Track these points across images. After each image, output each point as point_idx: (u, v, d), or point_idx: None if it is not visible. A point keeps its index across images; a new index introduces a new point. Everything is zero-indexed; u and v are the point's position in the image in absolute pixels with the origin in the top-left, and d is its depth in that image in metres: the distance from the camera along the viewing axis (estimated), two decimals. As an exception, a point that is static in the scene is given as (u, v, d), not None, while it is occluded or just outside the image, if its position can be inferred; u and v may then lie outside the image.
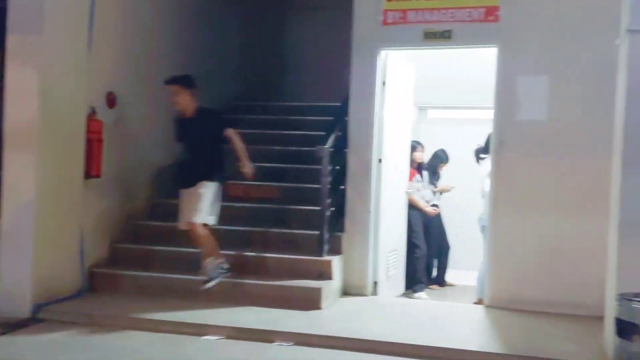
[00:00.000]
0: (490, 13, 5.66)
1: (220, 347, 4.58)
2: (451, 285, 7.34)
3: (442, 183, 7.37)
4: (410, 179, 6.86)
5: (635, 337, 3.64)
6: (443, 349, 4.49)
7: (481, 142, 6.28)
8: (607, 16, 4.96)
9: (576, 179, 5.47)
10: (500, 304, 5.62)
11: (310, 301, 5.33)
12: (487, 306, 5.70)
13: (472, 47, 6.05)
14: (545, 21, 5.56)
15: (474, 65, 7.03)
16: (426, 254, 6.95)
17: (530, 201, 5.59)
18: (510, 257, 5.64)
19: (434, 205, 7.13)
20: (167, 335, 4.78)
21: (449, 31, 5.78)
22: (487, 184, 5.85)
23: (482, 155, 6.24)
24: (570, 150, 5.49)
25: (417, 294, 6.62)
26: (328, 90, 7.25)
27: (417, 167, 7.07)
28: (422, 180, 7.09)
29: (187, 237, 5.43)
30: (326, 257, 5.69)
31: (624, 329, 3.69)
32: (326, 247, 5.73)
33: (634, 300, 3.68)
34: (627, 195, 4.26)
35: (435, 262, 7.37)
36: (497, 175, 5.70)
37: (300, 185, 6.56)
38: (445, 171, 7.44)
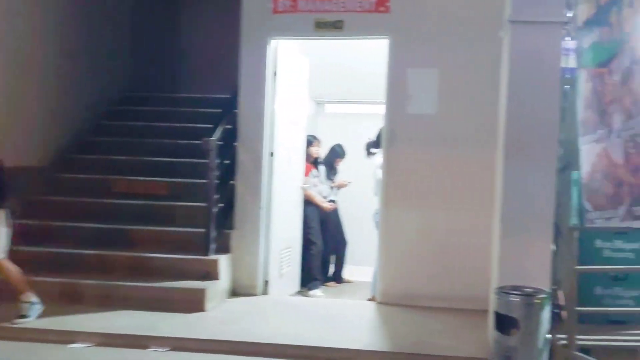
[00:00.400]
0: (381, 4, 5.55)
1: (87, 356, 4.22)
2: (348, 281, 7.21)
3: (339, 178, 7.23)
4: (307, 173, 6.67)
5: (513, 331, 3.59)
6: (328, 349, 4.34)
7: (373, 136, 6.17)
8: (496, 9, 4.93)
9: (465, 173, 5.44)
10: (392, 300, 5.54)
11: (193, 303, 5.03)
12: (379, 302, 5.60)
13: (364, 38, 5.94)
14: (435, 13, 5.51)
15: (372, 59, 6.92)
16: (322, 250, 6.79)
17: (421, 195, 5.54)
18: (400, 252, 5.56)
19: (331, 201, 6.98)
20: (30, 344, 4.36)
21: (341, 21, 5.63)
22: (378, 179, 5.75)
23: (372, 150, 6.14)
24: (459, 143, 5.46)
25: (312, 292, 6.44)
26: (224, 82, 6.96)
27: (314, 161, 6.89)
28: (319, 175, 6.92)
29: (53, 237, 5.01)
30: (212, 256, 5.41)
31: (502, 322, 3.63)
32: (213, 246, 5.45)
33: (511, 294, 3.63)
34: (507, 188, 4.24)
35: (333, 259, 7.22)
36: (388, 169, 5.61)
37: (190, 180, 6.23)
38: (342, 166, 7.30)
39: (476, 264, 5.25)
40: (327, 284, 7.04)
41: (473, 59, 5.42)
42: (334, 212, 7.07)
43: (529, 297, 3.59)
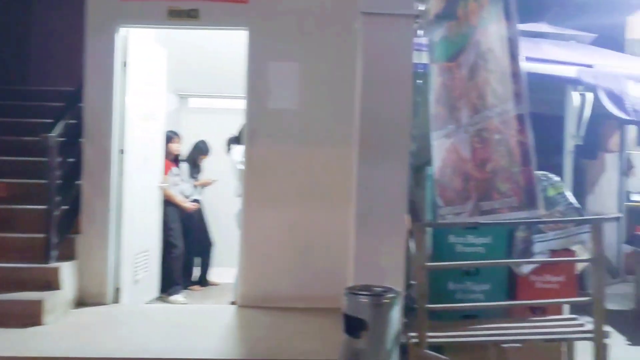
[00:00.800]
0: (239, -7, 5.29)
1: None
2: (215, 284, 6.92)
3: (204, 176, 6.90)
4: (166, 172, 6.29)
5: (363, 333, 3.46)
6: (175, 361, 4.03)
7: (235, 132, 5.92)
8: (356, 1, 4.81)
9: (327, 170, 5.32)
10: (254, 303, 5.32)
11: (29, 316, 4.54)
12: (240, 306, 5.36)
13: (222, 29, 5.69)
14: (295, 4, 5.34)
15: (239, 52, 6.66)
16: (185, 252, 6.46)
17: (282, 193, 5.36)
18: (261, 252, 5.36)
19: (195, 200, 6.65)
20: None
21: (196, 10, 5.32)
22: (237, 177, 5.51)
23: (233, 146, 5.89)
24: (320, 140, 5.34)
25: (172, 298, 6.09)
26: (75, 73, 6.41)
27: (175, 159, 6.52)
28: (181, 174, 6.56)
29: None
30: (53, 264, 4.92)
31: (351, 324, 3.49)
32: (54, 252, 4.96)
33: (360, 294, 3.50)
34: (362, 184, 4.14)
35: (198, 261, 6.89)
36: (249, 166, 5.38)
37: (33, 181, 5.64)
38: (208, 163, 6.98)
39: (338, 262, 5.13)
40: (192, 287, 6.72)
41: (334, 52, 5.30)
42: (198, 212, 6.75)
43: (377, 297, 3.47)
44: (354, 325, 3.47)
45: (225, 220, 7.05)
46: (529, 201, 3.26)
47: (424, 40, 4.53)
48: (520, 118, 3.28)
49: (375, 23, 4.11)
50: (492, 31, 3.48)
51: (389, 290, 3.56)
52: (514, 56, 3.33)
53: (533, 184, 3.25)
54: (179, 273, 6.29)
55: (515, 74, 3.31)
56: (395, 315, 3.53)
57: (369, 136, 4.12)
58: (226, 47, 6.83)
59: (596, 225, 3.80)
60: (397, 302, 3.55)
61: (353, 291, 3.53)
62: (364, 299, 3.46)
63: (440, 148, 4.19)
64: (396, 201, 4.10)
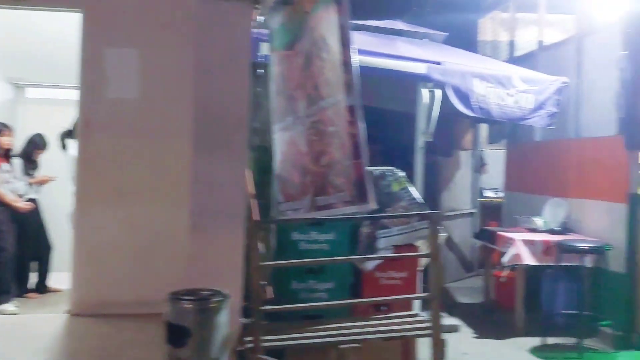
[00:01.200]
0: (70, -29, 4.82)
1: None
2: (55, 291, 6.30)
3: (41, 173, 6.29)
4: (-5, 168, 5.65)
5: (187, 342, 3.17)
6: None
7: (70, 126, 5.42)
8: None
9: (170, 165, 4.94)
10: (89, 310, 4.84)
11: None
12: (74, 314, 4.88)
13: (52, 10, 5.17)
14: (135, -14, 4.94)
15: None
16: (19, 257, 5.84)
17: (121, 191, 4.93)
18: (97, 255, 4.90)
19: (30, 200, 6.03)
20: None
21: (21, -12, 4.79)
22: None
23: (67, 141, 5.40)
24: (163, 132, 4.95)
25: (1, 307, 5.46)
26: None
27: (5, 154, 5.88)
28: (12, 170, 5.92)
29: None
30: None
31: (174, 333, 3.20)
32: None
33: (183, 299, 3.22)
34: (197, 180, 3.87)
35: (35, 266, 6.27)
36: (83, 161, 4.92)
37: None
38: (45, 159, 6.37)
39: (182, 263, 4.79)
40: (28, 295, 6.09)
41: (177, 38, 4.90)
42: (35, 213, 6.12)
43: (202, 301, 3.20)
44: (177, 334, 3.18)
45: (66, 221, 6.50)
46: (360, 195, 3.12)
47: (263, 26, 4.32)
48: (351, 109, 3.14)
49: (210, 7, 3.84)
50: (324, 17, 3.31)
51: (216, 293, 3.31)
52: (345, 44, 3.18)
53: (364, 178, 3.12)
54: (8, 280, 5.64)
55: (346, 63, 3.16)
56: (223, 321, 3.28)
57: (204, 128, 3.85)
58: (67, 32, 6.27)
59: (433, 220, 3.77)
60: (225, 306, 3.30)
61: (176, 296, 3.24)
62: (188, 305, 3.18)
63: (281, 141, 3.99)
64: (233, 198, 3.86)
